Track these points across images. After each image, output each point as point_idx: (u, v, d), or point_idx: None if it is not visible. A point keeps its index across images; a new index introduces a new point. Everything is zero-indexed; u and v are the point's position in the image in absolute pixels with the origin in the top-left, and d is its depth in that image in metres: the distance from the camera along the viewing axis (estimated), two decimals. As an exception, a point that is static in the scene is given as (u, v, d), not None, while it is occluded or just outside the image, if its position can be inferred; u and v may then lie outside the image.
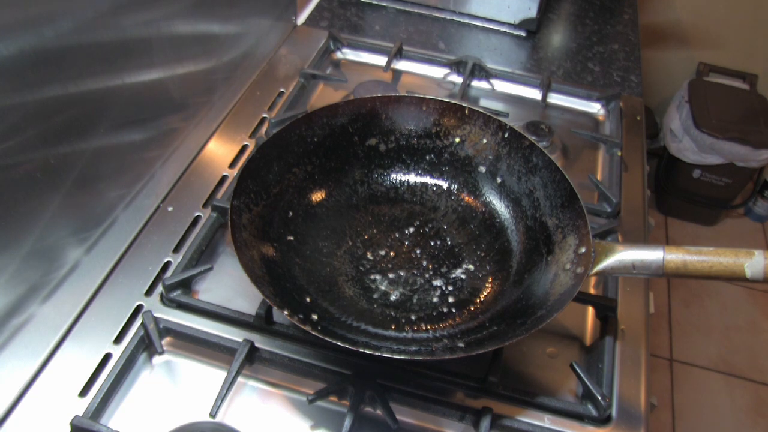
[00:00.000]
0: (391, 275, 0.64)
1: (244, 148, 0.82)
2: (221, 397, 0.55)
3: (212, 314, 0.62)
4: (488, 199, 0.70)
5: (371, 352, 0.50)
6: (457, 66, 0.99)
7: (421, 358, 0.56)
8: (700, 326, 1.80)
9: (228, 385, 0.56)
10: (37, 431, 0.54)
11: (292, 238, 0.64)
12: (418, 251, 0.67)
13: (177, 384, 0.59)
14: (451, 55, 1.02)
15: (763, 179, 2.03)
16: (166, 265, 0.67)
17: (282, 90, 0.92)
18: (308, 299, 0.59)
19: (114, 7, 0.58)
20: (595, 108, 0.98)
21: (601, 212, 0.78)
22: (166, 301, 0.63)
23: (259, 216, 0.61)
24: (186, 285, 0.64)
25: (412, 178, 0.73)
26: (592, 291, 0.70)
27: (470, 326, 0.59)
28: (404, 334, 0.59)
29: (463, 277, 0.65)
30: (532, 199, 0.66)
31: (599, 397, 0.57)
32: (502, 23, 1.14)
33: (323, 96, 0.94)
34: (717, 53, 1.98)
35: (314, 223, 0.67)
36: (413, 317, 0.61)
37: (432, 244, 0.68)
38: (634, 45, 1.15)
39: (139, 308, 0.62)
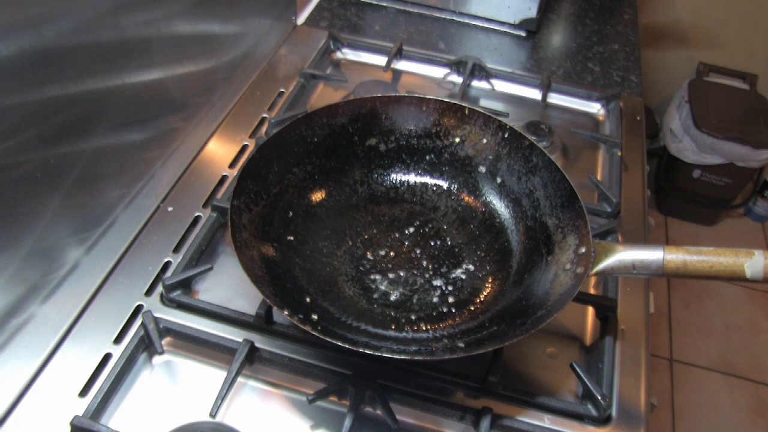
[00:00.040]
0: (391, 275, 0.64)
1: (244, 148, 0.82)
2: (221, 397, 0.55)
3: (212, 314, 0.62)
4: (488, 199, 0.70)
5: (371, 352, 0.50)
6: (457, 66, 0.99)
7: (421, 358, 0.56)
8: (700, 326, 1.80)
9: (228, 385, 0.56)
10: (37, 431, 0.54)
11: (292, 238, 0.64)
12: (418, 251, 0.67)
13: (177, 384, 0.59)
14: (451, 55, 1.02)
15: (763, 179, 2.03)
16: (166, 265, 0.67)
17: (282, 90, 0.92)
18: (308, 299, 0.59)
19: (114, 7, 0.58)
20: (595, 108, 0.98)
21: (601, 212, 0.78)
22: (166, 301, 0.63)
23: (259, 216, 0.61)
24: (186, 285, 0.64)
25: (412, 178, 0.73)
26: (592, 291, 0.70)
27: (470, 326, 0.59)
28: (404, 334, 0.59)
29: (463, 277, 0.65)
30: (532, 199, 0.66)
31: (599, 397, 0.57)
32: (502, 23, 1.14)
33: (323, 96, 0.94)
34: (717, 53, 1.98)
35: (314, 223, 0.67)
36: (413, 317, 0.61)
37: (432, 244, 0.68)
38: (634, 45, 1.15)
39: (139, 308, 0.62)
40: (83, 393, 0.56)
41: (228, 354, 0.59)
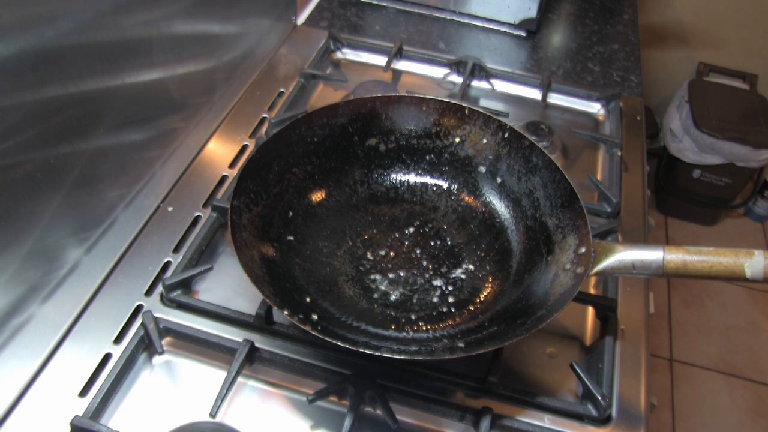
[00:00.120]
0: (391, 275, 0.64)
1: (244, 148, 0.82)
2: (221, 397, 0.55)
3: (212, 314, 0.62)
4: (488, 199, 0.70)
5: (371, 352, 0.50)
6: (457, 66, 0.99)
7: (421, 358, 0.56)
8: (700, 326, 1.80)
9: (228, 385, 0.56)
10: (37, 431, 0.54)
11: (292, 238, 0.64)
12: (418, 251, 0.67)
13: (177, 384, 0.59)
14: (451, 55, 1.02)
15: (763, 179, 2.03)
16: (166, 265, 0.67)
17: (282, 90, 0.92)
18: (308, 299, 0.59)
19: (114, 7, 0.58)
20: (595, 108, 0.98)
21: (601, 212, 0.78)
22: (166, 301, 0.63)
23: (259, 216, 0.61)
24: (186, 285, 0.64)
25: (412, 178, 0.73)
26: (592, 291, 0.70)
27: (470, 326, 0.59)
28: (404, 334, 0.59)
29: (463, 277, 0.65)
30: (532, 199, 0.66)
31: (599, 397, 0.57)
32: (502, 23, 1.14)
33: (323, 96, 0.94)
34: (717, 53, 1.98)
35: (314, 223, 0.67)
36: (413, 317, 0.61)
37: (432, 244, 0.68)
38: (634, 45, 1.15)
39: (139, 308, 0.62)
40: (83, 393, 0.56)
41: (228, 354, 0.59)
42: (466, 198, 0.71)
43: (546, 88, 0.96)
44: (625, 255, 0.56)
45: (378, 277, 0.64)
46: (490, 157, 0.70)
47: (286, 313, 0.51)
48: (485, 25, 1.15)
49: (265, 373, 0.60)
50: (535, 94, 0.98)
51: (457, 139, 0.71)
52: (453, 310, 0.62)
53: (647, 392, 0.61)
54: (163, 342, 0.61)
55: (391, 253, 0.67)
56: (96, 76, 0.58)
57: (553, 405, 0.58)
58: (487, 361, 0.59)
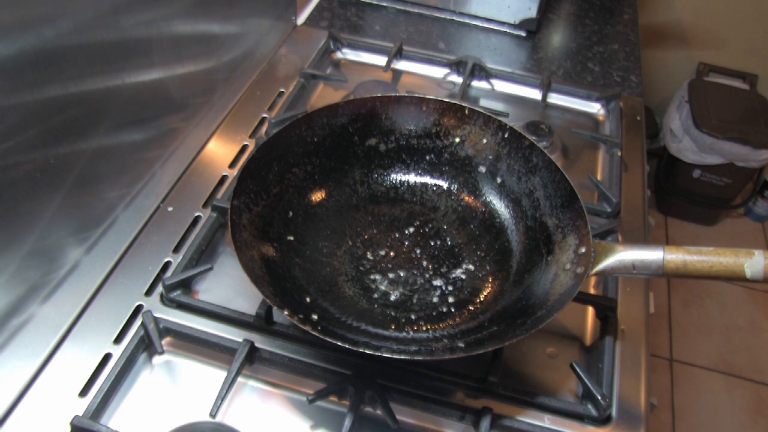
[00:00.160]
0: (391, 275, 0.64)
1: (244, 148, 0.82)
2: (221, 397, 0.55)
3: (212, 314, 0.62)
4: (488, 199, 0.70)
5: (371, 352, 0.50)
6: (457, 66, 0.99)
7: (421, 358, 0.56)
8: (700, 326, 1.80)
9: (228, 385, 0.56)
10: (37, 431, 0.54)
11: (292, 238, 0.64)
12: (418, 251, 0.67)
13: (177, 384, 0.59)
14: (451, 55, 1.02)
15: (763, 179, 2.03)
16: (166, 265, 0.67)
17: (282, 90, 0.92)
18: (308, 299, 0.59)
19: (114, 7, 0.58)
20: (595, 108, 0.98)
21: (601, 212, 0.78)
22: (166, 301, 0.63)
23: (259, 216, 0.61)
24: (186, 285, 0.64)
25: (412, 178, 0.73)
26: (592, 291, 0.70)
27: (470, 326, 0.59)
28: (404, 334, 0.59)
29: (463, 277, 0.65)
30: (532, 199, 0.66)
31: (599, 397, 0.57)
32: (502, 23, 1.14)
33: (323, 96, 0.94)
34: (717, 53, 1.98)
35: (314, 223, 0.67)
36: (413, 317, 0.61)
37: (432, 244, 0.68)
38: (634, 45, 1.15)
39: (139, 308, 0.62)
40: (83, 393, 0.56)
41: (228, 354, 0.59)
42: (466, 198, 0.71)
43: (546, 88, 0.96)
44: (625, 255, 0.56)
45: (378, 277, 0.64)
46: (490, 157, 0.70)
47: (286, 313, 0.51)
48: (485, 25, 1.15)
49: (265, 373, 0.60)
50: (535, 94, 0.98)
51: (457, 139, 0.71)
52: (453, 310, 0.62)
53: (647, 392, 0.61)
54: (163, 342, 0.61)
55: (391, 253, 0.67)
56: (96, 76, 0.57)
57: (553, 405, 0.58)
58: (487, 361, 0.59)
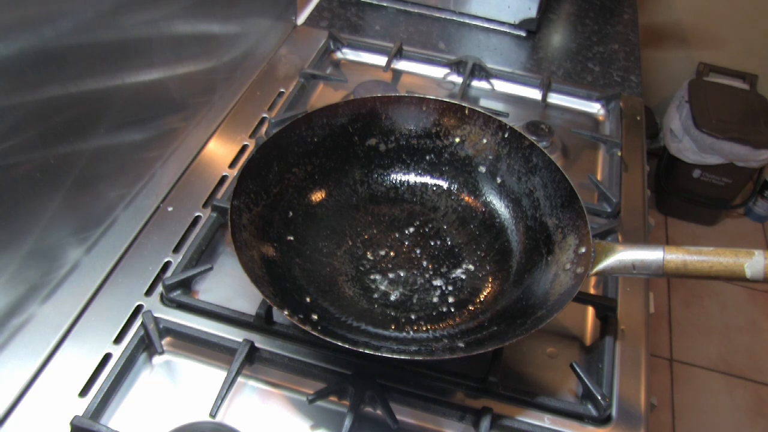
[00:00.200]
0: (391, 275, 0.64)
1: (244, 148, 0.82)
2: (221, 397, 0.55)
3: (212, 314, 0.62)
4: (488, 199, 0.70)
5: (371, 352, 0.50)
6: (457, 66, 0.99)
7: (421, 358, 0.56)
8: (700, 326, 1.80)
9: (228, 385, 0.56)
10: (37, 431, 0.54)
11: (292, 238, 0.64)
12: (418, 251, 0.67)
13: (177, 384, 0.59)
14: (451, 55, 1.02)
15: (763, 179, 2.03)
16: (166, 265, 0.67)
17: (282, 90, 0.92)
18: (308, 299, 0.59)
19: (114, 7, 0.58)
20: (595, 108, 0.98)
21: (601, 212, 0.78)
22: (166, 301, 0.63)
23: (259, 216, 0.61)
24: (186, 285, 0.64)
25: (412, 178, 0.73)
26: (592, 291, 0.70)
27: (470, 326, 0.59)
28: (404, 334, 0.59)
29: (463, 277, 0.65)
30: (532, 199, 0.66)
31: (599, 397, 0.57)
32: (502, 23, 1.14)
33: (323, 96, 0.94)
34: (717, 53, 1.98)
35: (314, 223, 0.67)
36: (413, 317, 0.61)
37: (432, 244, 0.68)
38: (634, 45, 1.15)
39: (139, 308, 0.62)
40: (83, 393, 0.56)
41: (228, 354, 0.59)
42: (466, 198, 0.71)
43: (546, 88, 0.96)
44: (625, 255, 0.56)
45: (378, 277, 0.64)
46: (490, 157, 0.70)
47: (286, 313, 0.51)
48: (485, 25, 1.15)
49: (265, 373, 0.60)
50: (535, 94, 0.98)
51: (457, 139, 0.71)
52: (453, 310, 0.62)
53: (647, 392, 0.61)
54: (163, 342, 0.61)
55: (391, 253, 0.67)
56: (96, 76, 0.58)
57: (553, 405, 0.58)
58: (487, 361, 0.59)
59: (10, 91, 0.48)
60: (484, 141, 0.70)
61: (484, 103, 0.97)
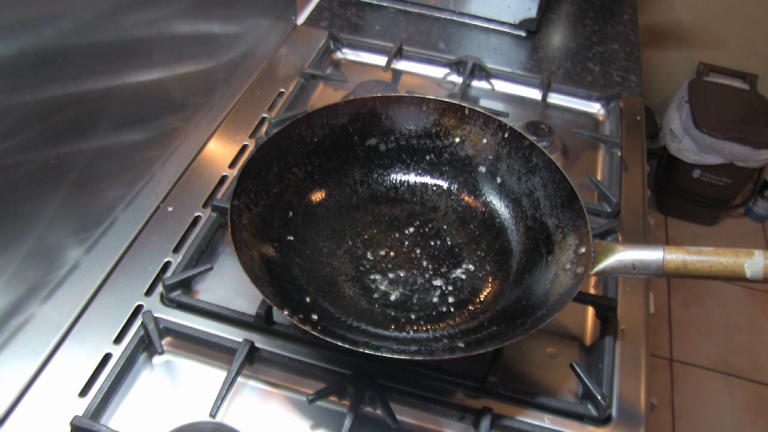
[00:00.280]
0: (391, 275, 0.64)
1: (244, 148, 0.82)
2: (221, 397, 0.55)
3: (212, 314, 0.62)
4: (488, 199, 0.70)
5: (371, 352, 0.50)
6: (457, 66, 0.99)
7: (421, 358, 0.56)
8: (700, 326, 1.80)
9: (228, 385, 0.56)
10: (37, 431, 0.54)
11: (292, 238, 0.64)
12: (418, 251, 0.67)
13: (177, 384, 0.59)
14: (451, 55, 1.02)
15: (763, 179, 2.03)
16: (166, 265, 0.67)
17: (282, 90, 0.92)
18: (308, 299, 0.59)
19: (114, 7, 0.58)
20: (595, 108, 0.98)
21: (601, 212, 0.78)
22: (166, 301, 0.63)
23: (259, 216, 0.61)
24: (186, 285, 0.64)
25: (412, 178, 0.73)
26: (592, 291, 0.70)
27: (470, 326, 0.59)
28: (404, 334, 0.59)
29: (463, 277, 0.65)
30: (532, 199, 0.66)
31: (599, 397, 0.57)
32: (502, 23, 1.14)
33: (323, 96, 0.94)
34: (717, 53, 1.98)
35: (314, 223, 0.67)
36: (413, 317, 0.61)
37: (432, 244, 0.68)
38: (634, 45, 1.15)
39: (139, 308, 0.62)
40: (83, 393, 0.56)
41: (228, 354, 0.59)
42: (466, 198, 0.71)
43: (546, 88, 0.96)
44: (625, 255, 0.56)
45: (378, 277, 0.64)
46: (490, 157, 0.70)
47: (286, 313, 0.51)
48: (485, 25, 1.15)
49: (265, 373, 0.60)
50: (535, 94, 0.98)
51: (457, 139, 0.71)
52: (453, 310, 0.62)
53: (647, 392, 0.61)
54: (163, 342, 0.61)
55: (391, 253, 0.67)
56: (96, 76, 0.58)
57: (553, 405, 0.58)
58: (487, 361, 0.59)
59: (10, 91, 0.48)
60: (484, 141, 0.70)
61: (484, 103, 0.97)
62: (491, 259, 0.66)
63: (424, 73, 1.01)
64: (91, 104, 0.58)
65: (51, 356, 0.58)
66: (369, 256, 0.66)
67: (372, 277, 0.64)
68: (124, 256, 0.67)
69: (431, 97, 0.70)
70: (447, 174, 0.72)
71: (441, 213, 0.71)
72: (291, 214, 0.66)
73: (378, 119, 0.71)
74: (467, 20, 1.15)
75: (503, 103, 0.98)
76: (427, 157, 0.72)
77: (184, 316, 0.62)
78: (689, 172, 1.91)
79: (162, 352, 0.60)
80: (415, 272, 0.65)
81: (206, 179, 0.77)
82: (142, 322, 0.60)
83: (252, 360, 0.59)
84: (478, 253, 0.67)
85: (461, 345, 0.55)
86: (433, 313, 0.61)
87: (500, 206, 0.69)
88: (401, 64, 1.02)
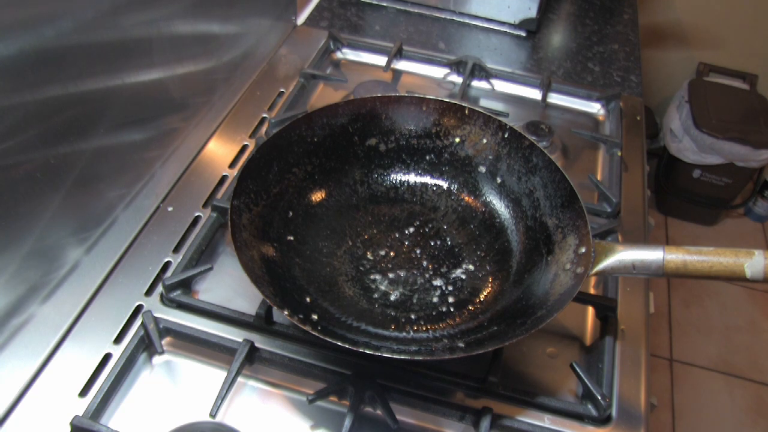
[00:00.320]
0: (391, 275, 0.64)
1: (244, 148, 0.82)
2: (221, 397, 0.55)
3: (212, 314, 0.62)
4: (488, 199, 0.70)
5: (371, 352, 0.50)
6: (457, 66, 0.99)
7: (421, 358, 0.56)
8: (700, 326, 1.80)
9: (228, 385, 0.56)
10: (37, 431, 0.54)
11: (292, 238, 0.64)
12: (418, 251, 0.67)
13: (177, 384, 0.59)
14: (451, 55, 1.02)
15: (763, 179, 2.03)
16: (166, 265, 0.67)
17: (282, 90, 0.92)
18: (308, 299, 0.59)
19: (114, 7, 0.58)
20: (595, 108, 0.98)
21: (601, 212, 0.78)
22: (166, 301, 0.63)
23: (259, 216, 0.61)
24: (186, 285, 0.64)
25: (412, 178, 0.73)
26: (592, 291, 0.70)
27: (470, 326, 0.59)
28: (404, 334, 0.59)
29: (463, 277, 0.65)
30: (532, 199, 0.66)
31: (599, 397, 0.57)
32: (502, 23, 1.14)
33: (323, 96, 0.94)
34: (717, 53, 1.98)
35: (314, 223, 0.67)
36: (413, 317, 0.61)
37: (432, 244, 0.68)
38: (634, 45, 1.15)
39: (139, 308, 0.62)
40: (83, 393, 0.56)
41: (228, 354, 0.59)
42: (466, 198, 0.71)
43: (546, 88, 0.96)
44: (625, 255, 0.56)
45: (378, 277, 0.64)
46: (490, 157, 0.70)
47: (286, 313, 0.51)
48: (485, 25, 1.15)
49: (265, 373, 0.60)
50: (535, 94, 0.98)
51: (457, 139, 0.71)
52: (453, 310, 0.62)
53: (647, 392, 0.61)
54: (163, 342, 0.61)
55: (391, 253, 0.67)
56: (96, 76, 0.58)
57: (553, 405, 0.58)
58: (487, 361, 0.59)
59: (10, 91, 0.48)
60: (484, 141, 0.70)
61: (484, 103, 0.97)
62: (491, 259, 0.66)
63: (424, 73, 1.01)
64: (91, 104, 0.58)
65: (51, 356, 0.58)
66: (369, 256, 0.66)
67: (372, 277, 0.64)
68: (124, 256, 0.67)
69: (431, 97, 0.70)
70: (447, 174, 0.72)
71: (441, 213, 0.71)
72: (291, 214, 0.66)
73: (378, 119, 0.71)
74: (467, 20, 1.15)
75: (503, 103, 0.98)
76: (427, 157, 0.72)
77: (184, 316, 0.62)
78: (689, 172, 1.91)
79: (162, 352, 0.60)
80: (415, 272, 0.65)
81: (206, 179, 0.77)
82: (142, 322, 0.60)
83: (252, 360, 0.59)
84: (478, 253, 0.67)
85: (461, 345, 0.55)
86: (433, 313, 0.61)
87: (500, 206, 0.69)
88: (401, 64, 1.02)
